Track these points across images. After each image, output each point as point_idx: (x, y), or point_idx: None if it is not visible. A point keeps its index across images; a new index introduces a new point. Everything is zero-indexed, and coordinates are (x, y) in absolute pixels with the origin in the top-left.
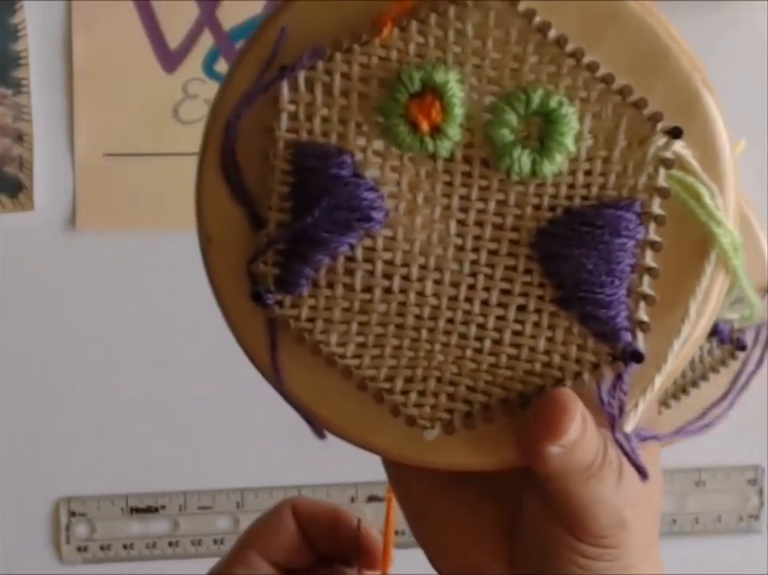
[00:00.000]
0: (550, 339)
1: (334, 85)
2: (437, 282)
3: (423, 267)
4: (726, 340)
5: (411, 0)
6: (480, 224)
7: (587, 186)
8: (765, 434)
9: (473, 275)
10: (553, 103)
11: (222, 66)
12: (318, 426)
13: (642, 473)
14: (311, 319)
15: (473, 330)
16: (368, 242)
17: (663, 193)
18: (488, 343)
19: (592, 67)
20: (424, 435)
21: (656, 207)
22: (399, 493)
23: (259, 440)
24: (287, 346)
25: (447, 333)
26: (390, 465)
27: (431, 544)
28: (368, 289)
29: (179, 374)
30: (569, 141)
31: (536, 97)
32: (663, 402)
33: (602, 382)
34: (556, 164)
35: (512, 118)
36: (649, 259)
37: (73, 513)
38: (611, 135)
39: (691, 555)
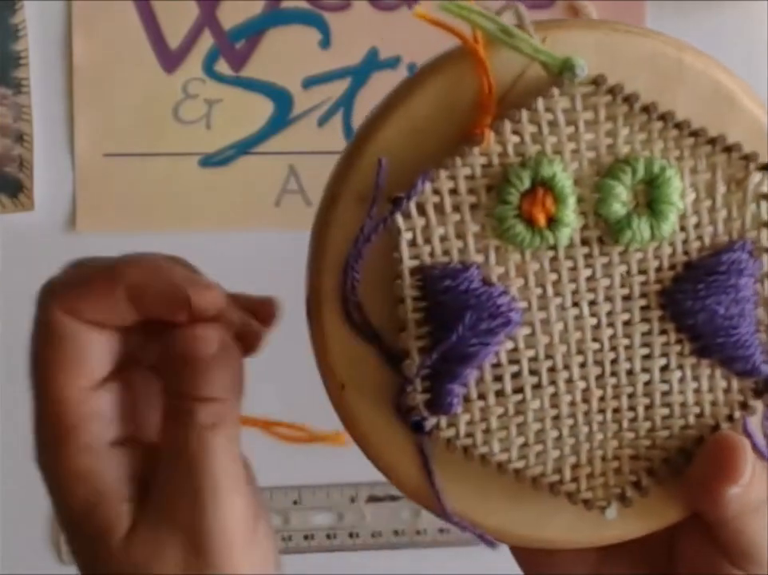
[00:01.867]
0: (697, 390)
1: (445, 203)
2: (582, 365)
3: (566, 354)
4: None
5: (493, 107)
6: (609, 299)
7: (700, 238)
8: None
9: (613, 349)
10: (657, 168)
11: (222, 66)
12: (489, 538)
13: None
14: (470, 434)
15: (624, 401)
16: (509, 344)
17: None
18: (641, 410)
19: (681, 126)
20: (606, 515)
21: (765, 240)
22: None
23: (258, 440)
24: (443, 470)
25: (601, 411)
26: (532, 561)
27: None
28: (519, 390)
29: None
30: (678, 200)
31: (641, 167)
32: None
33: (754, 415)
34: (670, 225)
35: (621, 191)
36: None
37: None
38: (710, 184)
39: None
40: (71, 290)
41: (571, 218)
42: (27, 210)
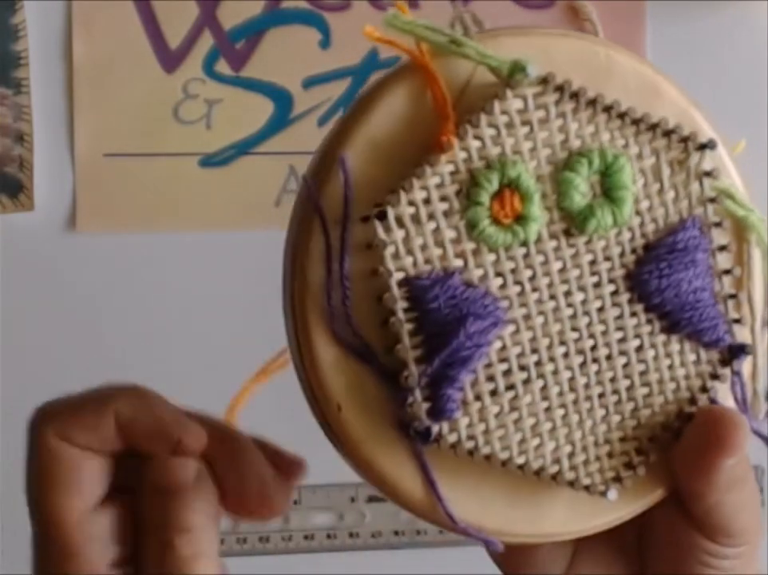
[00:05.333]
0: (670, 366)
1: (421, 213)
2: (565, 355)
3: (549, 346)
4: None
5: (450, 115)
6: (582, 288)
7: (654, 220)
8: (765, 433)
9: (591, 336)
10: (610, 157)
11: (222, 66)
12: (493, 541)
13: None
14: (471, 437)
15: (607, 386)
16: (498, 344)
17: (714, 201)
18: (623, 392)
19: (623, 116)
20: (608, 497)
21: (711, 215)
22: None
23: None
24: (441, 478)
25: (588, 398)
26: (511, 562)
27: None
28: (511, 387)
29: (178, 374)
30: (632, 186)
31: (596, 157)
32: None
33: (724, 384)
34: (629, 209)
35: (580, 182)
36: (722, 262)
37: None
38: (656, 169)
39: None
40: (64, 416)
41: (537, 214)
42: (27, 210)
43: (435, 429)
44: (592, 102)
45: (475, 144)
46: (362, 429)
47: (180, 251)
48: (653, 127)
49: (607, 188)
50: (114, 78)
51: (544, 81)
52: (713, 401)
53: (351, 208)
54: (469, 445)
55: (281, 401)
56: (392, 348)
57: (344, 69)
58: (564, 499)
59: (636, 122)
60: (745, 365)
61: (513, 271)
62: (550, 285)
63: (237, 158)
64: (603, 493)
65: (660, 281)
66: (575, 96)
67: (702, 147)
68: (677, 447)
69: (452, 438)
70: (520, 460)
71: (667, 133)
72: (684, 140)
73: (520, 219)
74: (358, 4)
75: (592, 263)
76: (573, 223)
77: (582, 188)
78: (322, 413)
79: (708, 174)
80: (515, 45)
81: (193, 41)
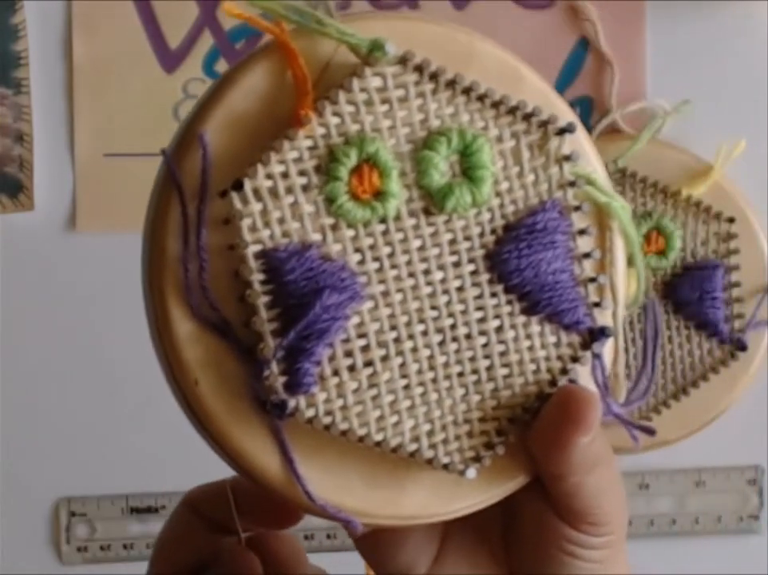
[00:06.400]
0: (530, 348)
1: (278, 187)
2: (424, 333)
3: (408, 324)
4: (726, 340)
5: (309, 92)
6: (441, 267)
7: (514, 202)
8: (765, 434)
9: (451, 315)
10: (469, 137)
11: (222, 66)
12: (353, 520)
13: (650, 431)
14: (329, 412)
15: (467, 365)
16: (356, 319)
17: (573, 185)
18: (483, 372)
19: (482, 98)
20: (466, 476)
21: (571, 198)
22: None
23: None
24: (301, 456)
25: (447, 377)
26: (377, 553)
27: None
28: (369, 363)
29: None
30: (491, 167)
31: (455, 136)
32: (663, 403)
33: (584, 367)
34: (488, 188)
35: (439, 161)
36: (582, 245)
37: (73, 514)
38: (516, 151)
39: (691, 555)
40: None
41: (396, 190)
42: (27, 210)
43: (292, 403)
44: (451, 83)
45: (334, 120)
46: (220, 403)
47: None
48: (513, 110)
49: (467, 168)
50: (114, 78)
51: (402, 60)
52: (573, 383)
53: (210, 182)
54: (327, 420)
55: None
56: (249, 322)
57: None
58: (425, 481)
59: (496, 105)
60: (606, 349)
61: (372, 247)
62: (409, 263)
63: None
64: (462, 472)
65: (519, 261)
66: (434, 76)
67: (562, 131)
68: (533, 426)
69: (309, 413)
70: (378, 436)
71: (527, 117)
72: (544, 124)
73: (379, 195)
74: (358, 4)
75: (452, 242)
76: (432, 201)
77: (441, 167)
78: (179, 387)
79: (567, 158)
80: (377, 28)
81: (193, 41)
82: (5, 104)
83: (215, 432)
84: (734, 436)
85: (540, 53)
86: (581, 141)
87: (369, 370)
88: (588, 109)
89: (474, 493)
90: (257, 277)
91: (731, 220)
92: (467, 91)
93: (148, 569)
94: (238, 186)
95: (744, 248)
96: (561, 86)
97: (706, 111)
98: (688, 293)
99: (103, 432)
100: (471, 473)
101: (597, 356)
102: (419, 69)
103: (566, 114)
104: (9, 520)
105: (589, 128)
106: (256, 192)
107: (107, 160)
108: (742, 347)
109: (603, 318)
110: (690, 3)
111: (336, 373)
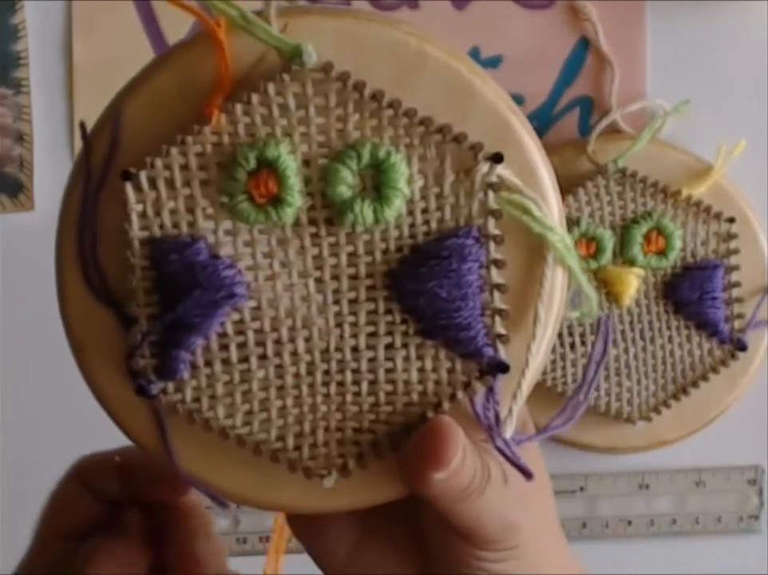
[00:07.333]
0: (421, 369)
1: (176, 178)
2: (307, 339)
3: (291, 328)
4: (726, 340)
5: (226, 89)
6: (336, 277)
7: (427, 222)
8: (765, 434)
9: (339, 325)
10: (382, 154)
11: None
12: (220, 498)
13: (527, 474)
14: (197, 399)
15: (348, 376)
16: (236, 316)
17: (497, 214)
18: (365, 385)
19: (410, 114)
20: (323, 484)
21: (492, 227)
22: (316, 549)
23: None
24: (177, 430)
25: (326, 384)
26: (300, 525)
27: None
28: (245, 359)
29: None
30: (403, 186)
31: (365, 152)
32: (663, 403)
33: (475, 397)
34: (395, 209)
35: (347, 175)
36: (495, 276)
37: None
38: (439, 172)
39: (691, 555)
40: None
41: (295, 198)
42: (27, 210)
43: (159, 386)
44: (375, 96)
45: (244, 119)
46: (103, 371)
47: None
48: (440, 130)
49: (378, 184)
50: (114, 78)
51: (324, 68)
52: (443, 414)
53: (117, 159)
54: (192, 406)
55: None
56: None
57: None
58: (299, 475)
59: (424, 123)
60: (508, 382)
61: (264, 250)
62: (302, 270)
63: None
64: (321, 478)
65: (417, 285)
66: (357, 87)
67: (496, 159)
68: (400, 453)
69: (175, 398)
70: (243, 430)
71: (456, 139)
72: (473, 148)
73: (276, 200)
74: (357, 4)
75: (352, 254)
76: (336, 213)
77: (348, 180)
78: (73, 351)
79: (492, 186)
80: (323, 26)
81: None
82: (6, 104)
83: (100, 396)
84: (734, 436)
85: (540, 53)
86: (533, 167)
87: (243, 366)
88: (588, 109)
89: (353, 493)
90: (140, 263)
91: (731, 220)
92: (392, 105)
93: (33, 535)
94: (126, 176)
95: (744, 248)
96: (561, 86)
97: (706, 111)
98: (688, 293)
99: (103, 432)
100: (329, 482)
101: (491, 389)
102: (341, 79)
103: (519, 132)
104: (10, 520)
105: (589, 129)
106: (151, 181)
107: None
108: (742, 347)
109: (515, 349)
110: (690, 3)
111: (209, 364)
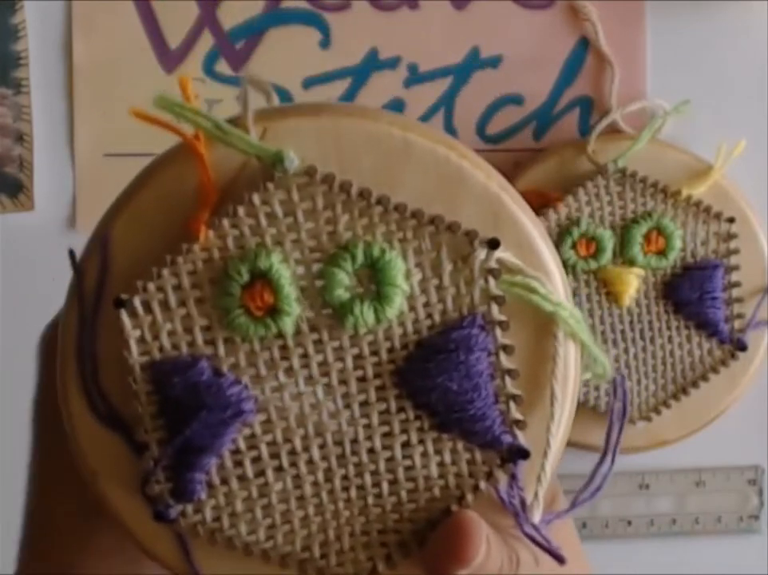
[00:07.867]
0: (441, 464)
1: (170, 299)
2: (322, 446)
3: (305, 436)
4: (726, 340)
5: (211, 203)
6: (344, 382)
7: (430, 316)
8: (765, 434)
9: (353, 429)
10: (376, 252)
11: (222, 66)
12: None
13: (559, 559)
14: (217, 518)
15: (368, 479)
16: (247, 431)
17: (500, 300)
18: (385, 486)
19: (400, 208)
20: None
21: (496, 313)
22: None
23: None
24: (202, 549)
25: (346, 489)
26: None
27: None
28: (261, 473)
29: None
30: (402, 282)
31: (359, 252)
32: (663, 403)
33: (499, 485)
34: (396, 307)
35: (343, 278)
36: (505, 361)
37: None
38: (436, 263)
39: (691, 555)
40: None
41: (292, 307)
42: (27, 210)
43: (177, 509)
44: (362, 194)
45: (233, 232)
46: (119, 497)
47: None
48: (432, 221)
49: (376, 283)
50: (114, 78)
51: (308, 172)
52: (467, 508)
53: (107, 286)
54: (213, 526)
55: None
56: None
57: (344, 69)
58: None
59: (414, 216)
60: (531, 465)
61: (268, 362)
62: (309, 377)
63: None
64: None
65: (426, 381)
66: (343, 188)
67: (492, 244)
68: (424, 550)
69: (195, 519)
70: (267, 545)
71: (450, 228)
72: (467, 234)
73: (273, 311)
74: (357, 4)
75: (358, 357)
76: (336, 316)
77: (345, 283)
78: (86, 480)
79: (492, 272)
80: (302, 126)
81: (193, 41)
82: (6, 104)
83: (117, 523)
84: (734, 436)
85: (539, 53)
86: (532, 243)
87: (260, 480)
88: (588, 109)
89: None
90: (143, 388)
91: (731, 220)
92: (380, 202)
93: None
94: (119, 304)
95: (744, 248)
96: (561, 86)
97: (706, 111)
98: (688, 293)
99: None
100: None
101: (513, 476)
102: (326, 181)
103: (510, 214)
104: (10, 520)
105: (589, 129)
106: (146, 305)
107: (107, 160)
108: (742, 347)
109: (534, 431)
110: (690, 3)
111: (225, 481)
